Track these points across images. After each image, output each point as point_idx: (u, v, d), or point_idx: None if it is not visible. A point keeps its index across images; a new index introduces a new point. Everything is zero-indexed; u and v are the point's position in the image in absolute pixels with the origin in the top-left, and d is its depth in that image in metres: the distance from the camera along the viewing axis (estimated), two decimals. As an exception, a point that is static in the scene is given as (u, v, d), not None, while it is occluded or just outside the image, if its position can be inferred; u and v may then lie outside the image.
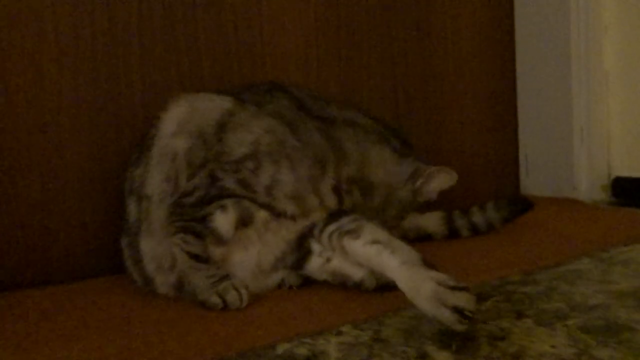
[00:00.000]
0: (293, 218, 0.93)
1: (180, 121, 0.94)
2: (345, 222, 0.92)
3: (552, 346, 0.67)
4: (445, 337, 0.71)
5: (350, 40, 1.43)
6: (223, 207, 0.89)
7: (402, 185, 0.99)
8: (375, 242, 0.86)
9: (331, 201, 0.96)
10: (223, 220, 0.89)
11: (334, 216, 0.94)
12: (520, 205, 1.28)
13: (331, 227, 0.92)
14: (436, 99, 1.57)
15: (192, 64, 1.22)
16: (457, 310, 0.70)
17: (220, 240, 0.89)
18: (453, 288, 0.73)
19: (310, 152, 0.94)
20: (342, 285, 0.93)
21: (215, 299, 0.86)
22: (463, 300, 0.71)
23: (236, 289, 0.87)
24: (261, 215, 0.91)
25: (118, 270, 1.06)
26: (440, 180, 0.99)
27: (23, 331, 0.84)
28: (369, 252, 0.86)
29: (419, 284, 0.76)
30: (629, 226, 1.27)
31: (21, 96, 1.07)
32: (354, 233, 0.89)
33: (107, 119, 1.14)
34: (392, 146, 1.00)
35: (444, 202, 1.52)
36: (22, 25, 1.07)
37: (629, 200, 1.54)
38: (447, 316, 0.71)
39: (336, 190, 0.96)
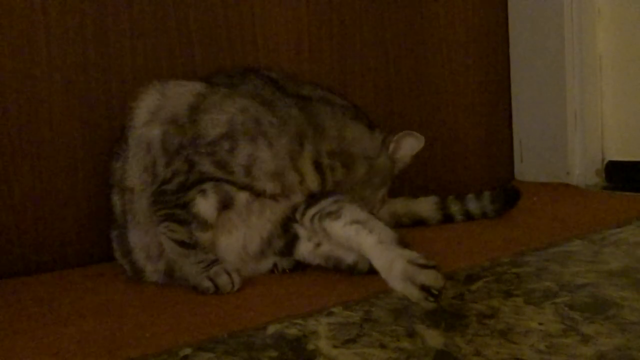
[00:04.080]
0: (274, 197, 0.94)
1: (152, 110, 0.93)
2: (326, 204, 0.93)
3: (540, 323, 0.67)
4: (435, 317, 0.72)
5: (342, 22, 1.42)
6: (203, 192, 0.89)
7: (379, 153, 1.02)
8: (354, 222, 0.88)
9: (313, 179, 0.96)
10: (204, 205, 0.89)
11: (314, 199, 0.95)
12: (514, 196, 1.28)
13: (312, 211, 0.93)
14: (430, 85, 1.57)
15: (183, 48, 1.22)
16: (425, 288, 0.72)
17: (204, 225, 0.89)
18: (422, 266, 0.74)
19: (288, 128, 0.94)
20: (335, 268, 0.93)
21: (206, 283, 0.87)
22: (431, 278, 0.73)
23: (227, 273, 0.87)
24: (241, 196, 0.91)
25: (110, 258, 1.06)
26: (409, 143, 1.04)
27: (16, 316, 0.84)
28: (348, 232, 0.87)
29: (390, 262, 0.78)
30: (621, 209, 1.27)
31: (11, 83, 1.07)
32: (334, 214, 0.90)
33: (98, 104, 1.14)
34: (364, 122, 1.03)
35: (438, 187, 1.53)
36: (12, 10, 1.06)
37: (623, 184, 1.54)
38: (415, 294, 0.73)
39: (317, 165, 0.96)
